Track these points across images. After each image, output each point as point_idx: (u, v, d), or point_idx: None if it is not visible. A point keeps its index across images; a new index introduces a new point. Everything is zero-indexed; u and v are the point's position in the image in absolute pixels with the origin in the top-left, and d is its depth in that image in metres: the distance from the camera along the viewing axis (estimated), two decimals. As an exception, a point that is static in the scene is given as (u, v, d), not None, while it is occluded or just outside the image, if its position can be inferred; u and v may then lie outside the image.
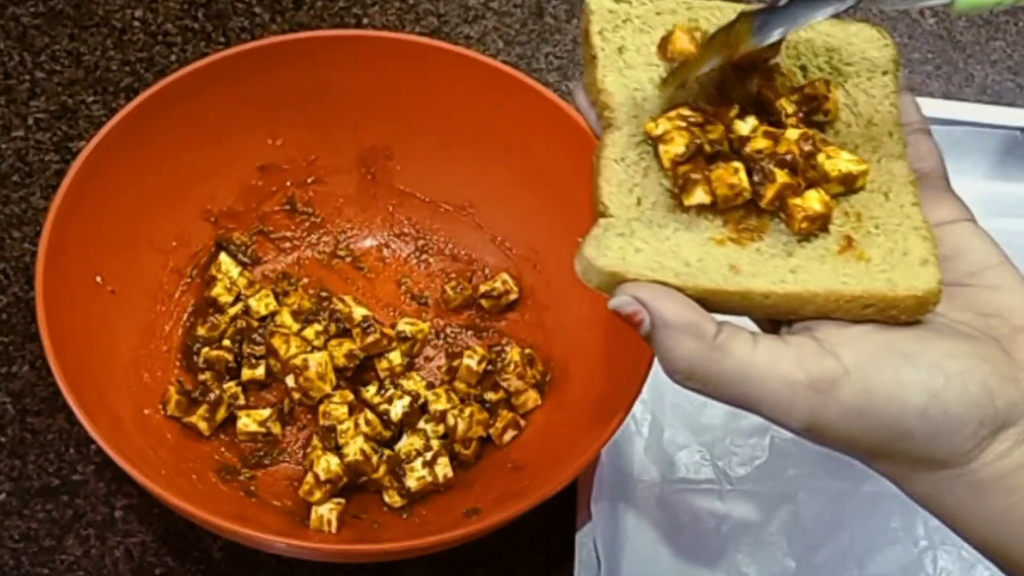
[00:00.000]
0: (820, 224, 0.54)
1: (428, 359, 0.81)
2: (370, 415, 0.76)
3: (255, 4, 0.97)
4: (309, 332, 0.79)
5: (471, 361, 0.78)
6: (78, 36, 0.94)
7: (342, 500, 0.74)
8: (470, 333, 0.83)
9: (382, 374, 0.79)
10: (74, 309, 0.72)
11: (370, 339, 0.78)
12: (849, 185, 0.55)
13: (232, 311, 0.80)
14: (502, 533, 0.71)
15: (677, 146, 0.54)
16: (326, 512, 0.73)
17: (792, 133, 0.55)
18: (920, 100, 0.91)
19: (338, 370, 0.78)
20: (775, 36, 0.53)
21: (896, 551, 0.78)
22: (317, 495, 0.73)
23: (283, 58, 0.79)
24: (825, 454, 0.79)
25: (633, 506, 0.78)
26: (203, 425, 0.76)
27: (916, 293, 0.52)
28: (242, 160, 0.82)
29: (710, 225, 0.54)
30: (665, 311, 0.51)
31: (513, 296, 0.83)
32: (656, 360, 0.52)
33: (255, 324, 0.79)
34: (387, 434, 0.76)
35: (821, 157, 0.55)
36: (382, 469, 0.75)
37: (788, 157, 0.54)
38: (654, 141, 0.55)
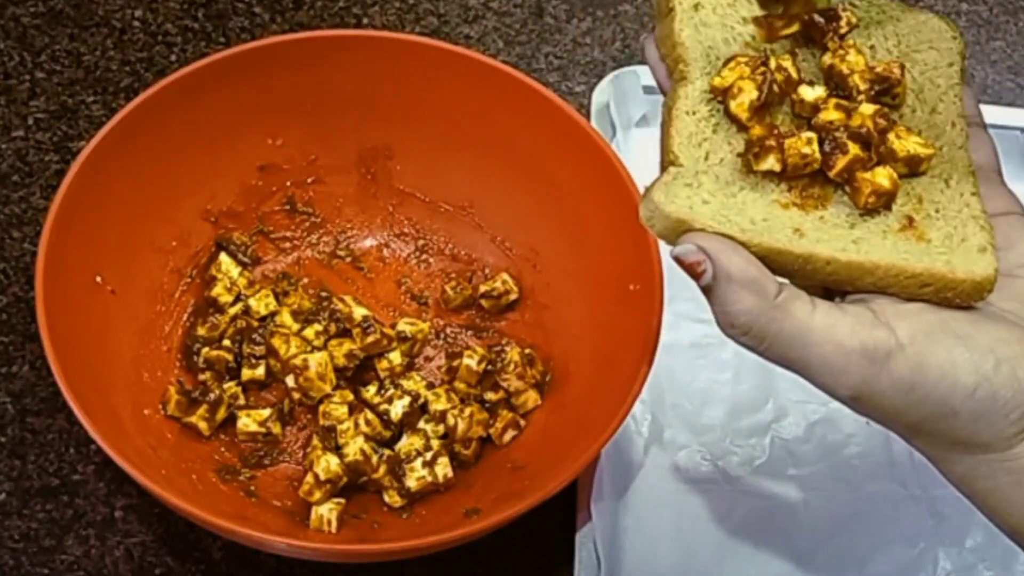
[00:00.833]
0: (885, 201, 0.55)
1: (428, 359, 0.81)
2: (370, 415, 0.76)
3: (255, 4, 0.97)
4: (309, 332, 0.79)
5: (471, 361, 0.78)
6: (78, 36, 0.94)
7: (342, 500, 0.74)
8: (470, 333, 0.83)
9: (382, 374, 0.79)
10: (74, 309, 0.72)
11: (370, 339, 0.78)
12: (914, 168, 0.56)
13: (232, 311, 0.80)
14: (502, 533, 0.71)
15: (748, 94, 0.55)
16: (326, 512, 0.72)
17: (867, 108, 0.56)
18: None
19: (338, 370, 0.78)
20: None
21: (896, 551, 0.78)
22: (317, 495, 0.73)
23: (283, 58, 0.79)
24: (825, 454, 0.80)
25: (633, 506, 0.78)
26: (203, 425, 0.76)
27: (974, 277, 0.53)
28: (242, 160, 0.82)
29: (775, 188, 0.55)
30: (729, 264, 0.51)
31: (513, 296, 0.83)
32: (712, 313, 0.52)
33: (255, 324, 0.79)
34: (387, 434, 0.76)
35: (891, 135, 0.55)
36: (382, 469, 0.75)
37: (863, 131, 0.55)
38: (723, 98, 0.56)
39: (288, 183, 0.84)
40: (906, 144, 0.55)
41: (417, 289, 0.84)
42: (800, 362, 0.52)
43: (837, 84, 0.57)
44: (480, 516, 0.71)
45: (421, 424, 0.77)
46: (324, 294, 0.82)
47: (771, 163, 0.54)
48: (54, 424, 0.79)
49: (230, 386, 0.77)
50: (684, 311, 0.81)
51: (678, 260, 0.52)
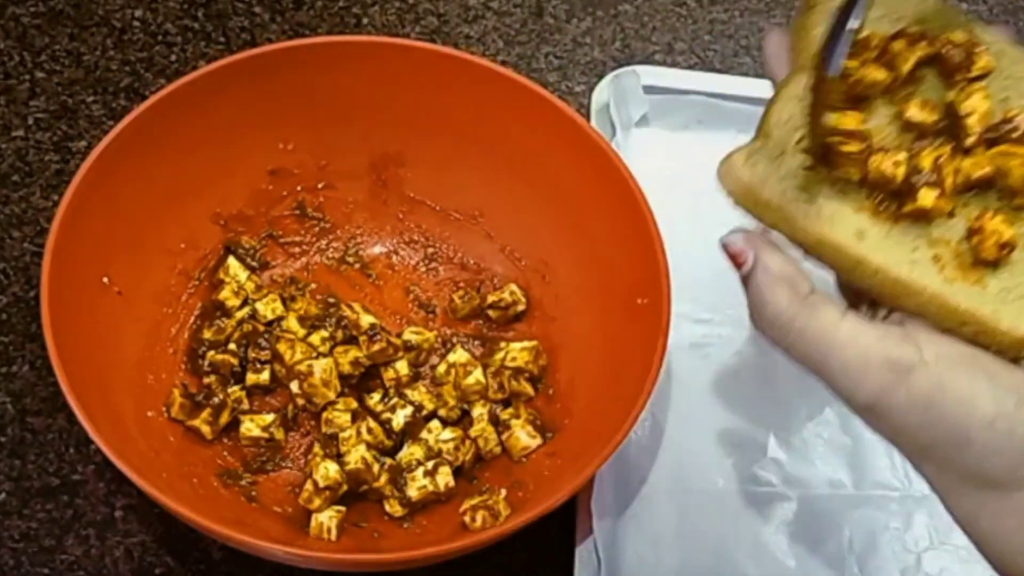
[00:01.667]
0: (1008, 252, 0.53)
1: (433, 368, 0.81)
2: (372, 423, 0.76)
3: (255, 4, 0.97)
4: (315, 338, 0.78)
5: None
6: (78, 36, 0.95)
7: (342, 508, 0.73)
8: (476, 343, 0.82)
9: (388, 383, 0.78)
10: (80, 309, 0.72)
11: (376, 347, 0.78)
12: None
13: (239, 315, 0.80)
14: (503, 543, 0.70)
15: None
16: (326, 520, 0.72)
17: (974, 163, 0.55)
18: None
19: (343, 377, 0.77)
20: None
21: (896, 551, 0.77)
22: (317, 502, 0.73)
23: (296, 63, 0.79)
24: (823, 455, 0.80)
25: (633, 507, 0.77)
26: (206, 429, 0.76)
27: (1018, 334, 0.52)
28: (253, 164, 0.82)
29: (853, 189, 0.54)
30: (769, 259, 0.52)
31: (521, 307, 0.82)
32: (748, 305, 0.53)
33: (261, 328, 0.79)
34: (389, 443, 0.76)
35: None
36: (383, 478, 0.74)
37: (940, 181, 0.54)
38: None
39: (298, 188, 0.84)
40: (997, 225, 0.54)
41: (425, 297, 0.84)
42: (822, 364, 0.51)
43: (952, 122, 0.56)
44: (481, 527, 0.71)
45: (423, 434, 0.76)
46: (332, 300, 0.82)
47: (850, 172, 0.54)
48: (54, 424, 0.79)
49: (234, 390, 0.77)
50: (684, 311, 0.80)
51: (725, 246, 0.53)
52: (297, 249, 0.85)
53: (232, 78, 0.78)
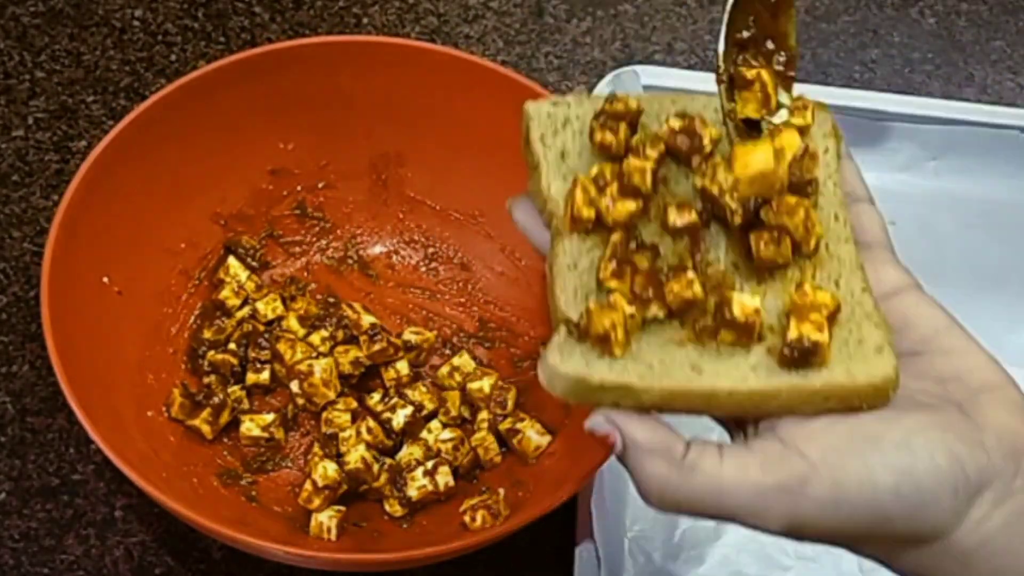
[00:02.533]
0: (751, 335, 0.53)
1: (434, 368, 0.81)
2: (372, 423, 0.76)
3: (255, 4, 0.97)
4: (315, 338, 0.78)
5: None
6: (78, 36, 0.95)
7: (342, 508, 0.73)
8: (474, 342, 0.82)
9: (388, 383, 0.78)
10: (80, 309, 0.72)
11: (376, 347, 0.78)
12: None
13: (239, 315, 0.80)
14: (502, 543, 0.70)
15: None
16: (326, 519, 0.72)
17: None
18: (920, 100, 0.92)
19: (343, 377, 0.77)
20: None
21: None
22: (316, 502, 0.73)
23: (296, 62, 0.79)
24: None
25: (633, 508, 0.77)
26: (206, 429, 0.76)
27: (874, 382, 0.52)
28: (253, 163, 0.82)
29: (668, 327, 0.53)
30: (636, 433, 0.51)
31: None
32: (632, 484, 0.53)
33: (261, 328, 0.79)
34: (389, 443, 0.76)
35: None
36: (383, 478, 0.74)
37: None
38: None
39: (299, 187, 0.84)
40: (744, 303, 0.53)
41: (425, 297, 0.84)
42: (723, 512, 0.51)
43: (712, 206, 0.54)
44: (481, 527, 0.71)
45: (423, 434, 0.76)
46: (332, 300, 0.82)
47: (654, 311, 0.53)
48: (54, 424, 0.79)
49: (234, 390, 0.77)
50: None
51: (591, 433, 0.52)
52: (297, 249, 0.85)
53: (232, 78, 0.78)
